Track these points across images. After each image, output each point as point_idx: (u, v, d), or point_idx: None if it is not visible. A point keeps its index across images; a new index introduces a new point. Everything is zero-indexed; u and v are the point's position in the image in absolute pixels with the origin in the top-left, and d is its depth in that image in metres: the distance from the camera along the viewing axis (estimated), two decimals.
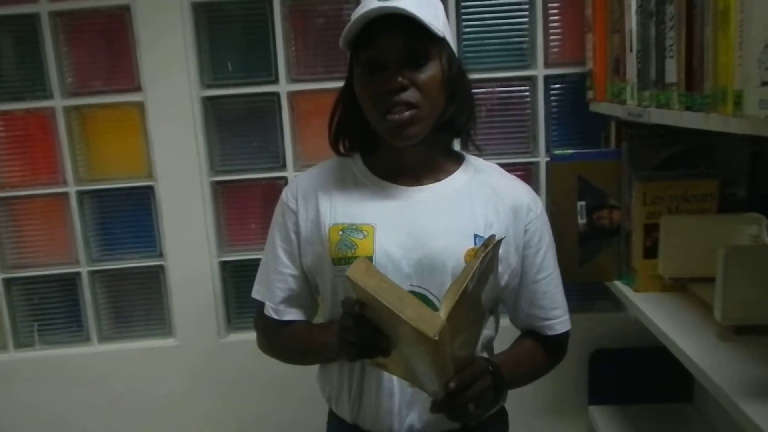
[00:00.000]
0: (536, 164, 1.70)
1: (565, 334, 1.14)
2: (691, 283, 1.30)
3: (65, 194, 1.72)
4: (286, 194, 1.11)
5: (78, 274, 1.76)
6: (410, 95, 0.96)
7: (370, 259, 1.00)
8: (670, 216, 1.33)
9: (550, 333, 1.12)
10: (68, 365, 1.77)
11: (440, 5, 1.03)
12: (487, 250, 0.86)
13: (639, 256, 1.36)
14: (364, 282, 0.83)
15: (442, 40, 0.98)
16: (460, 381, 0.89)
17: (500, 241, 0.91)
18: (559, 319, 1.12)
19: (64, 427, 1.78)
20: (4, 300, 1.76)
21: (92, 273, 1.77)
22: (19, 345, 1.79)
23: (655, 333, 1.20)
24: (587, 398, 1.75)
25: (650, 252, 1.35)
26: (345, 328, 0.91)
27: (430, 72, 0.97)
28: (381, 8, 0.93)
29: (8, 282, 1.76)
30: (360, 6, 1.00)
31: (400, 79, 0.95)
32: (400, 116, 0.96)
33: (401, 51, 0.95)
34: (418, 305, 0.85)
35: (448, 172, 1.08)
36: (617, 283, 1.46)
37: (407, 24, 0.93)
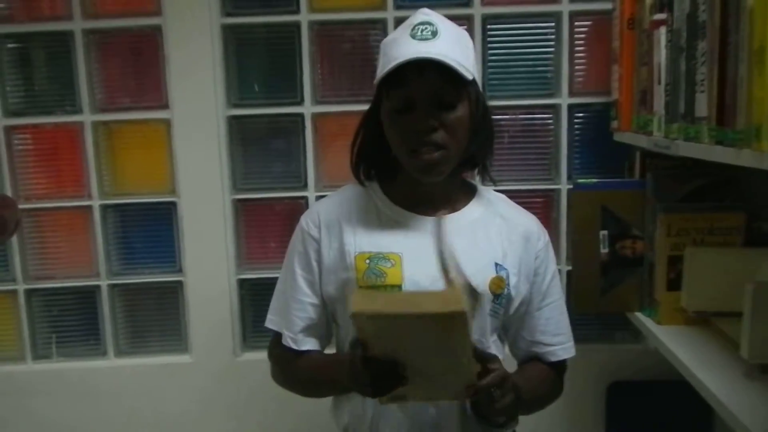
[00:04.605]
0: (557, 191, 1.70)
1: (566, 363, 1.15)
2: (715, 318, 1.28)
3: (89, 207, 1.73)
4: (307, 222, 1.11)
5: (98, 287, 1.77)
6: (440, 137, 0.97)
7: (399, 287, 1.00)
8: (695, 248, 1.31)
9: (553, 359, 1.13)
10: (84, 379, 1.78)
11: (471, 43, 1.04)
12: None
13: (662, 288, 1.35)
14: (372, 309, 0.82)
15: (472, 82, 0.99)
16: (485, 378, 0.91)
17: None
18: (562, 345, 1.13)
19: None
20: (25, 311, 1.77)
21: (112, 286, 1.78)
22: (37, 357, 1.80)
23: (679, 368, 1.18)
24: None
25: (674, 284, 1.33)
26: (356, 373, 0.91)
27: (459, 114, 0.99)
28: (418, 56, 0.94)
29: (29, 293, 1.78)
30: (392, 41, 1.00)
31: (431, 121, 0.96)
32: (430, 156, 0.98)
33: (433, 93, 0.97)
34: (432, 295, 0.86)
35: (463, 203, 1.10)
36: (639, 314, 1.44)
37: (440, 66, 0.94)
